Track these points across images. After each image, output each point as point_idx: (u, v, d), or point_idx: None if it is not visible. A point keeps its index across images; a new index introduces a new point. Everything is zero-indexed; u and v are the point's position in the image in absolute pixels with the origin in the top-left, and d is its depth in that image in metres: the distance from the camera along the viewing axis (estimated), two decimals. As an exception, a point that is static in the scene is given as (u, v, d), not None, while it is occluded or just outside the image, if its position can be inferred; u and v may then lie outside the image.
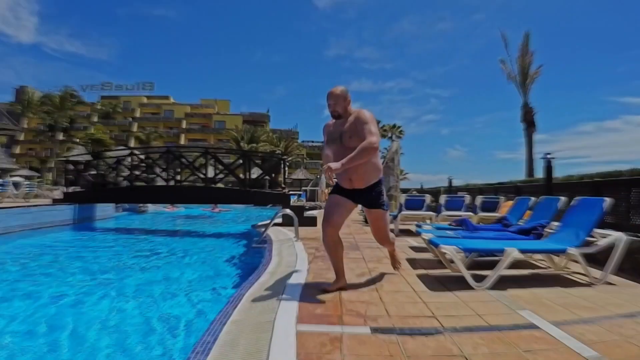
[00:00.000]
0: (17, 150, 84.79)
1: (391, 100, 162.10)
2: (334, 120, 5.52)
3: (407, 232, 12.50)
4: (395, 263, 6.51)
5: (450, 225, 9.26)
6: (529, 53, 43.26)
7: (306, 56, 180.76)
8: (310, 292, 5.42)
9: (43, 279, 9.15)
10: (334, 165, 4.80)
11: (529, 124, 42.73)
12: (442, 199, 14.37)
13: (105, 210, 23.49)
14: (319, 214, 18.84)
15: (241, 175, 20.16)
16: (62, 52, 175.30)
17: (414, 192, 17.82)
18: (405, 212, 13.25)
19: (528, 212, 9.16)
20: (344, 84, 5.47)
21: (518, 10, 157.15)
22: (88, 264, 11.07)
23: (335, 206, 5.45)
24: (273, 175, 20.37)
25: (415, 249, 9.18)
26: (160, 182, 21.24)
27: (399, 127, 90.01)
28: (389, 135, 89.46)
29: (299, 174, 45.75)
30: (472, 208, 13.83)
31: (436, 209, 14.32)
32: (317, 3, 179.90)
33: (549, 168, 14.65)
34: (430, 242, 6.67)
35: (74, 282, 8.93)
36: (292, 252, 8.85)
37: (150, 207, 31.12)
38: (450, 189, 35.29)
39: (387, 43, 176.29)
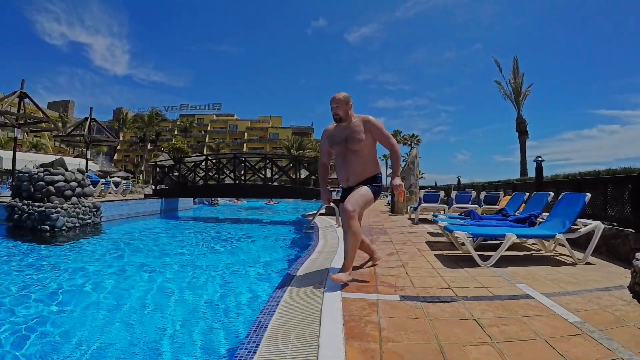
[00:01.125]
0: (116, 157, 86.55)
1: (409, 115, 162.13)
2: (334, 125, 4.95)
3: (424, 221, 12.46)
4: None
5: (460, 215, 9.23)
6: (519, 74, 42.65)
7: (341, 80, 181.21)
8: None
9: (142, 255, 9.37)
10: (398, 182, 4.73)
11: (522, 132, 42.06)
12: (453, 194, 14.28)
13: (185, 203, 23.85)
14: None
15: (292, 175, 20.36)
16: (149, 81, 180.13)
17: (431, 189, 17.78)
18: (423, 205, 13.26)
19: (523, 205, 9.09)
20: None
21: (510, 39, 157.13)
22: (173, 245, 11.31)
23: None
24: (317, 175, 20.54)
25: (432, 234, 9.10)
26: (228, 181, 21.63)
27: (416, 136, 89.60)
28: (409, 142, 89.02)
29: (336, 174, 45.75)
30: (477, 201, 13.77)
31: (448, 202, 14.27)
32: (347, 38, 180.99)
33: (539, 168, 14.36)
34: (445, 228, 6.63)
35: (163, 257, 9.15)
36: (335, 236, 8.86)
37: (221, 201, 31.53)
38: (459, 186, 34.93)
39: (405, 69, 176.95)
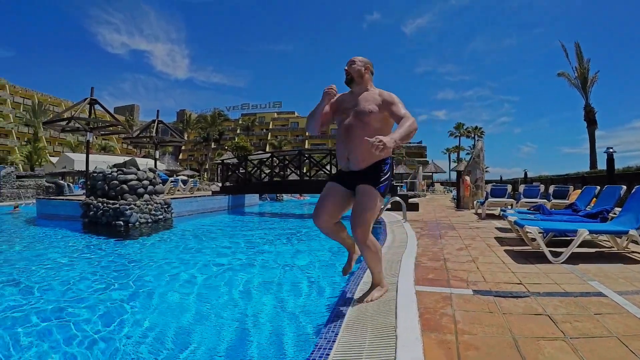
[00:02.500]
0: (181, 156, 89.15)
1: (471, 107, 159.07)
2: (347, 93, 4.11)
3: (491, 216, 12.35)
4: (347, 266, 4.42)
5: (528, 210, 9.13)
6: (584, 60, 41.00)
7: (399, 73, 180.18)
8: (422, 262, 5.56)
9: (213, 249, 9.75)
10: (387, 140, 3.32)
11: (591, 122, 40.48)
12: (521, 188, 14.09)
13: (251, 199, 24.38)
14: (419, 200, 18.91)
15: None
16: (209, 82, 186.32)
17: (497, 184, 17.51)
18: (491, 199, 13.09)
19: (594, 199, 8.90)
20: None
21: (573, 20, 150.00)
22: (242, 239, 11.63)
23: (324, 198, 4.00)
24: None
25: (500, 229, 9.02)
26: (292, 177, 21.99)
27: (479, 128, 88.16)
28: (472, 135, 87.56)
29: (400, 169, 45.45)
30: (546, 196, 13.49)
31: (516, 197, 14.06)
32: (404, 30, 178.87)
33: (610, 160, 14.04)
34: (515, 223, 6.60)
35: (233, 250, 9.51)
36: (403, 231, 8.92)
37: (285, 196, 31.98)
38: (526, 180, 34.20)
39: (464, 58, 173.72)
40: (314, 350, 3.05)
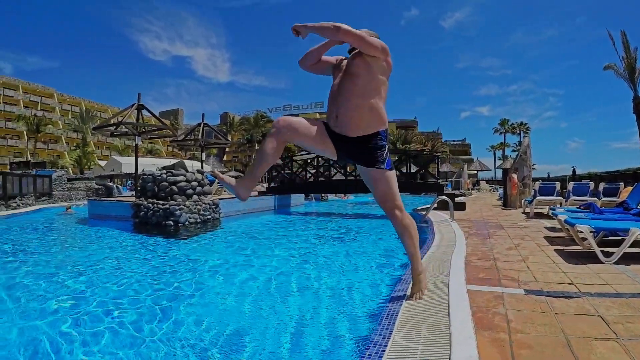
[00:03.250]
0: (225, 158, 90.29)
1: (515, 102, 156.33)
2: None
3: (539, 215, 12.21)
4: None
5: (578, 208, 9.03)
6: (631, 49, 39.34)
7: (440, 69, 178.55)
8: (471, 261, 5.62)
9: (261, 247, 9.92)
10: (298, 24, 3.46)
11: (640, 114, 39.14)
12: (570, 185, 13.87)
13: (297, 199, 24.50)
14: (464, 199, 18.78)
15: (402, 170, 20.47)
16: (250, 85, 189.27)
17: (545, 181, 17.20)
18: (539, 197, 12.94)
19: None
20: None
21: (616, 7, 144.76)
22: (289, 238, 11.81)
23: (309, 122, 3.66)
24: (426, 168, 20.53)
25: (550, 229, 8.95)
26: (337, 177, 22.12)
27: (525, 124, 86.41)
28: (517, 131, 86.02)
29: (444, 168, 45.03)
30: (595, 193, 13.26)
31: (564, 195, 13.86)
32: (442, 25, 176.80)
33: (663, 157, 13.74)
34: (565, 222, 6.51)
35: (281, 249, 9.63)
36: (450, 230, 8.96)
37: (330, 196, 32.14)
38: (574, 177, 33.48)
39: (506, 52, 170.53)
40: (369, 346, 3.17)
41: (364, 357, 3.02)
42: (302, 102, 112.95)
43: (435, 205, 12.87)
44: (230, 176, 3.71)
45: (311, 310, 5.04)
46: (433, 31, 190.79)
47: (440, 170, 20.66)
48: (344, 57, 3.98)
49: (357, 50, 3.69)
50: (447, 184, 30.95)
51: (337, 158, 3.84)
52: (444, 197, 12.17)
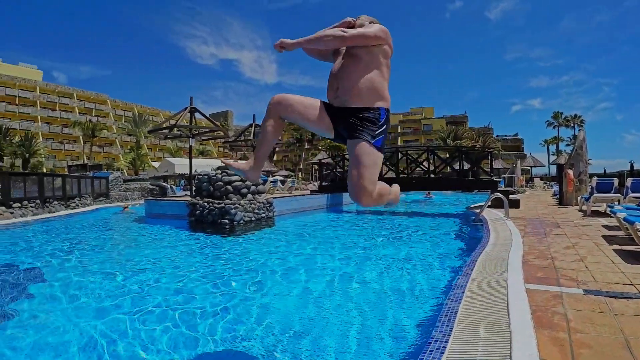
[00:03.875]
0: (275, 157, 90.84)
1: (568, 93, 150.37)
2: None
3: (597, 213, 11.94)
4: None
5: (637, 205, 8.83)
6: None
7: (488, 62, 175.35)
8: (529, 260, 5.62)
9: (316, 245, 10.10)
10: (285, 40, 3.24)
11: None
12: (628, 181, 13.49)
13: (349, 197, 24.47)
14: (519, 197, 18.51)
15: (455, 167, 20.33)
16: (297, 85, 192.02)
17: (602, 177, 16.67)
18: (596, 195, 12.63)
19: None
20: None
21: None
22: (343, 236, 12.02)
23: (305, 98, 3.38)
24: (478, 165, 20.30)
25: (608, 227, 8.79)
26: (389, 175, 22.07)
27: (579, 116, 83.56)
28: (571, 124, 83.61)
29: (497, 164, 44.24)
30: (656, 190, 12.88)
31: (622, 191, 13.50)
32: (488, 16, 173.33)
33: None
34: (624, 220, 6.35)
35: (335, 247, 9.76)
36: (506, 229, 8.92)
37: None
38: (632, 172, 32.44)
39: (555, 41, 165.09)
40: (430, 342, 3.29)
41: (425, 353, 3.13)
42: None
43: (490, 203, 12.76)
44: (238, 161, 3.64)
45: (371, 307, 5.17)
46: (479, 23, 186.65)
47: (492, 166, 20.38)
48: None
49: None
50: (500, 181, 30.57)
51: (334, 136, 3.49)
52: (499, 195, 12.04)
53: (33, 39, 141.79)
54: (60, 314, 5.17)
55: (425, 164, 20.97)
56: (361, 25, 3.39)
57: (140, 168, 56.38)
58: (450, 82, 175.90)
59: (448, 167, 21.45)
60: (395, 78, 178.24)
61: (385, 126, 3.32)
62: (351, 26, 3.43)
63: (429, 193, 31.99)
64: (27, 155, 45.86)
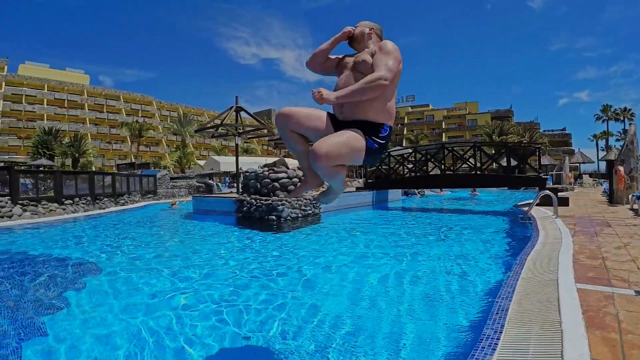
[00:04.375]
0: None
1: (617, 84, 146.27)
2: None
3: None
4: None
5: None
6: None
7: (532, 54, 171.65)
8: (579, 259, 5.58)
9: (364, 242, 10.16)
10: (327, 93, 3.03)
11: None
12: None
13: (394, 195, 24.64)
14: (568, 195, 18.17)
15: (502, 163, 20.10)
16: None
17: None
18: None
19: None
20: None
21: None
22: (391, 233, 12.07)
23: (310, 110, 3.33)
24: (525, 161, 20.00)
25: (662, 227, 8.67)
26: (434, 172, 21.98)
27: (629, 110, 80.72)
28: (621, 118, 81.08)
29: (544, 160, 43.44)
30: None
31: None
32: (531, 5, 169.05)
33: None
34: None
35: (382, 244, 9.91)
36: (555, 227, 8.84)
37: (426, 191, 31.90)
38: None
39: (601, 30, 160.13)
40: (482, 339, 3.37)
41: (477, 350, 3.22)
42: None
43: (538, 200, 12.61)
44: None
45: (423, 304, 5.27)
46: (521, 13, 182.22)
47: (540, 163, 20.00)
48: (346, 55, 3.66)
49: (369, 50, 3.40)
50: (547, 178, 30.05)
51: None
52: (547, 192, 11.86)
53: (79, 46, 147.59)
54: (108, 307, 5.39)
55: (471, 160, 20.73)
56: (361, 33, 3.48)
57: (186, 166, 57.57)
58: (494, 76, 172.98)
59: (494, 164, 21.04)
60: (438, 73, 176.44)
61: (385, 141, 3.30)
62: (351, 35, 3.51)
63: (474, 190, 31.66)
64: (76, 155, 47.77)
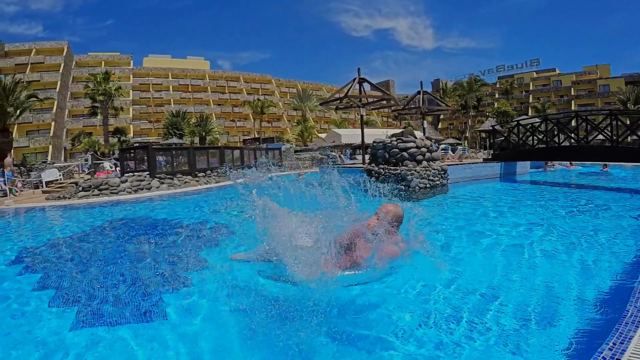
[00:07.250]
0: (440, 125, 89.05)
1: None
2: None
3: None
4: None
5: None
6: None
7: None
8: None
9: (496, 215, 10.22)
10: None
11: None
12: None
13: (523, 167, 23.49)
14: None
15: (640, 134, 18.49)
16: (457, 49, 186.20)
17: None
18: None
19: None
20: None
21: None
22: (523, 208, 11.63)
23: None
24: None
25: None
26: (565, 143, 20.70)
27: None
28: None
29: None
30: None
31: None
32: None
33: None
34: None
35: (516, 219, 9.64)
36: None
37: (556, 165, 30.35)
38: None
39: None
40: (625, 315, 3.38)
41: (621, 324, 3.26)
42: (516, 62, 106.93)
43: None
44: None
45: (553, 282, 5.14)
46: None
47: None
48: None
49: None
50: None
51: None
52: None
53: (198, 34, 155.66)
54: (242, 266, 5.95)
55: (607, 131, 19.03)
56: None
57: (308, 139, 59.36)
58: (628, 33, 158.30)
59: (628, 137, 18.86)
60: (565, 32, 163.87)
61: None
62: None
63: (605, 166, 29.44)
64: (203, 133, 52.41)
